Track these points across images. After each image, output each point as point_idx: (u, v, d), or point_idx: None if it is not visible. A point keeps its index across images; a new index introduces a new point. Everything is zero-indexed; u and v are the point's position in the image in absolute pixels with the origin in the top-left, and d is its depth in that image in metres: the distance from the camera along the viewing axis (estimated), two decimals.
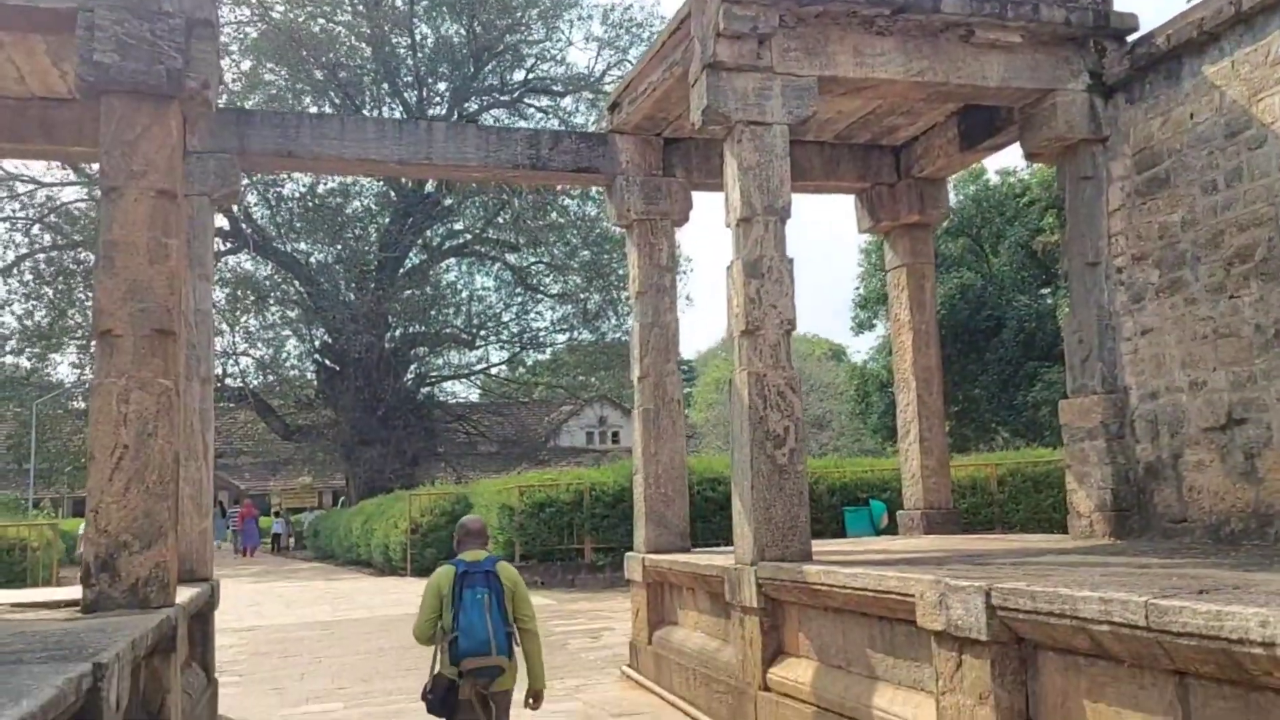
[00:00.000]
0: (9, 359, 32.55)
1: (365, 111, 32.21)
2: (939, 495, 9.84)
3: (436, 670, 4.87)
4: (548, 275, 37.89)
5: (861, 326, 38.19)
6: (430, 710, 4.93)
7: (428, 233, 36.50)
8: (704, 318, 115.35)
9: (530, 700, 5.14)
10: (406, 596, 15.57)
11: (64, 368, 35.23)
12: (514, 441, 39.02)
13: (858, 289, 37.37)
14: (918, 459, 9.90)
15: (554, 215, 35.38)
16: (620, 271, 37.23)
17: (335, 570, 23.44)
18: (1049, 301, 29.12)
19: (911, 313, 10.11)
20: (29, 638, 4.05)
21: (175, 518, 5.80)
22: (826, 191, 10.47)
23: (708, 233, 72.65)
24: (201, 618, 7.61)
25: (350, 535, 23.96)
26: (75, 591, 5.90)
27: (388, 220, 34.81)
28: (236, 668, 10.02)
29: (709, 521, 14.60)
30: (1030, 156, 8.27)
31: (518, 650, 5.02)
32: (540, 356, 45.87)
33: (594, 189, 35.88)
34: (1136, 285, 7.26)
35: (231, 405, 37.29)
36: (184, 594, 6.60)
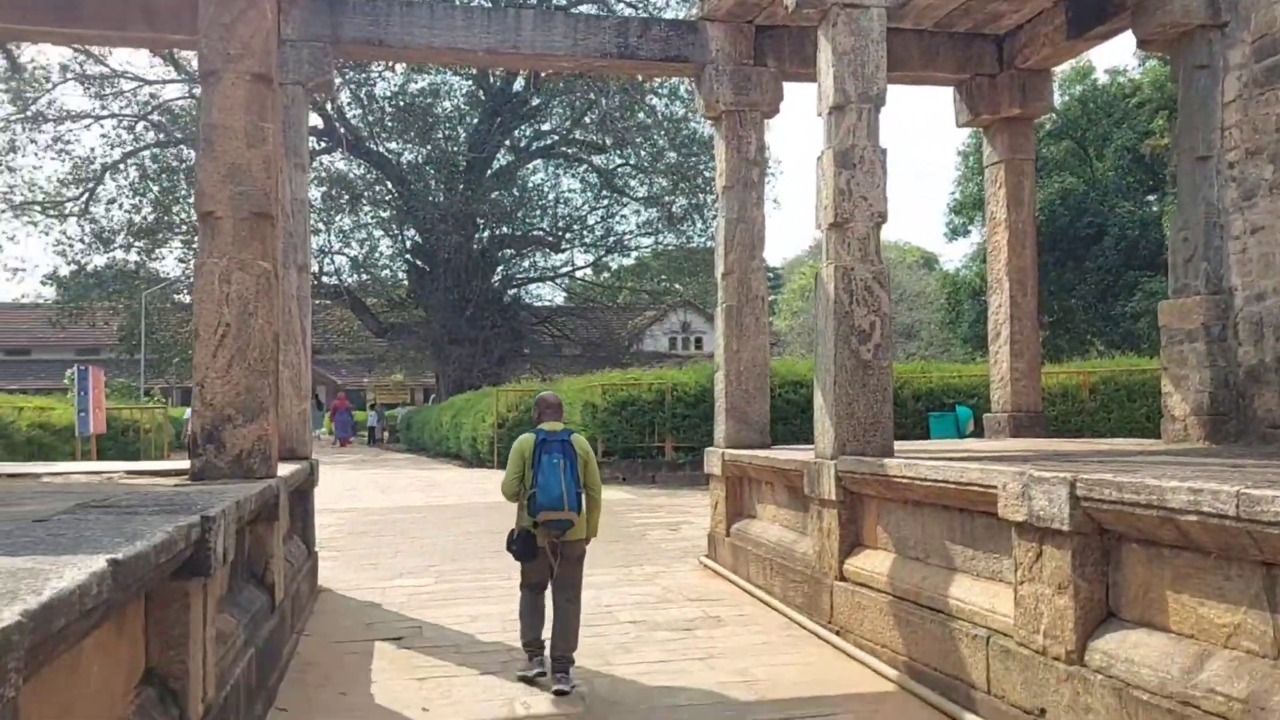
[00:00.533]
0: (118, 254, 33.86)
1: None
2: (1027, 398, 9.67)
3: (519, 522, 5.65)
4: (634, 178, 37.68)
5: (956, 232, 37.20)
6: (513, 555, 5.71)
7: (515, 133, 36.51)
8: (790, 223, 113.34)
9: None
10: (492, 486, 16.02)
11: (170, 262, 36.48)
12: (597, 345, 39.32)
13: (953, 194, 36.32)
14: (1007, 361, 9.71)
15: (641, 115, 34.92)
16: (707, 174, 36.75)
17: (426, 461, 24.30)
18: (1154, 209, 27.86)
19: (1009, 210, 9.79)
20: (143, 496, 4.32)
21: (275, 395, 6.06)
22: (924, 83, 10.09)
23: (796, 135, 71.00)
24: (302, 494, 8.00)
25: (440, 429, 24.72)
26: (184, 465, 6.25)
27: (476, 120, 34.89)
28: (335, 544, 10.54)
29: (789, 424, 14.64)
30: (1143, 44, 7.81)
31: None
32: (625, 261, 45.99)
33: (682, 86, 35.34)
34: (1249, 181, 6.88)
35: (328, 302, 38.47)
36: (284, 469, 6.93)
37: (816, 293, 6.99)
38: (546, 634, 5.66)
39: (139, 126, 33.22)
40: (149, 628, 3.43)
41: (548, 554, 5.57)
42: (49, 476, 6.07)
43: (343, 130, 34.13)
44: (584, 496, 5.61)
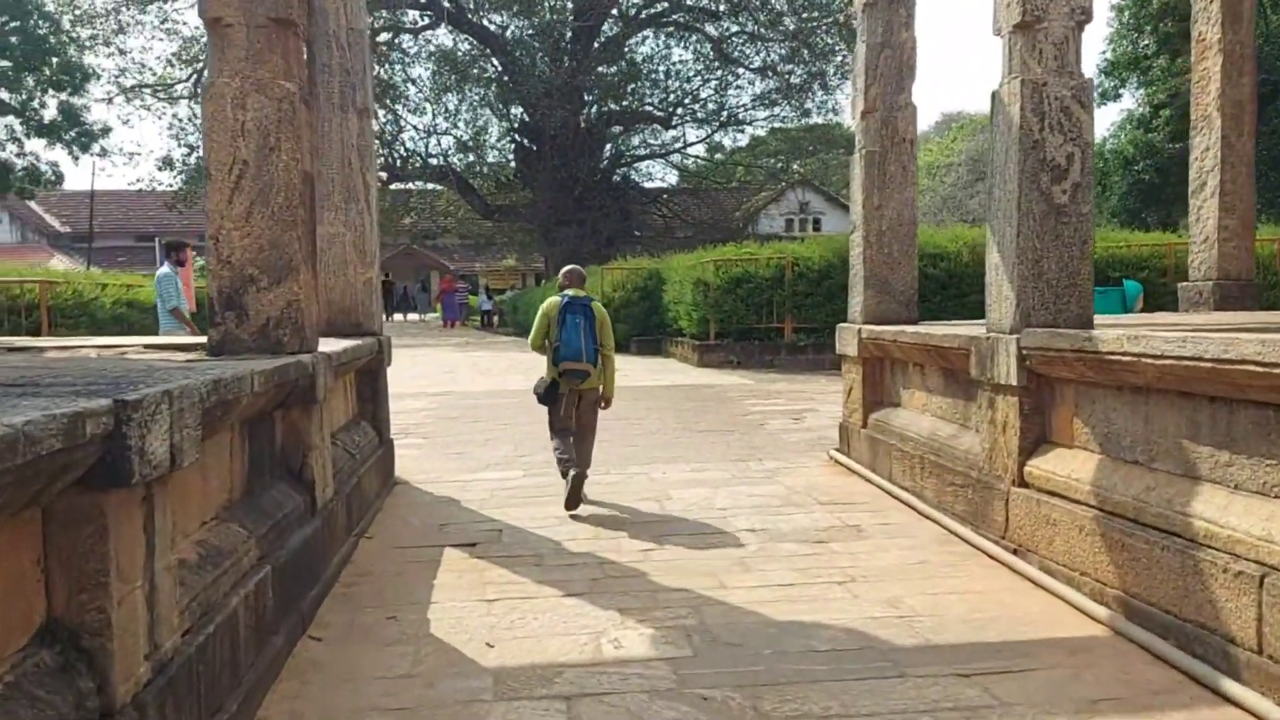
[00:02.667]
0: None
1: None
2: (1238, 263, 7.87)
3: (545, 374, 6.55)
4: (749, 46, 35.29)
5: (1105, 97, 33.73)
6: (539, 400, 6.59)
7: (623, 1, 34.46)
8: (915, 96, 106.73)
9: (603, 403, 6.71)
10: None
11: None
12: (710, 225, 37.57)
13: (1104, 53, 32.83)
14: (1214, 218, 7.89)
15: None
16: (828, 39, 34.08)
17: None
18: None
19: (1223, 29, 7.81)
20: (107, 374, 3.23)
21: (310, 251, 4.92)
22: None
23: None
24: (370, 374, 6.99)
25: None
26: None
27: None
28: (422, 430, 9.64)
29: (926, 302, 12.97)
30: None
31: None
32: (739, 137, 43.74)
33: None
34: None
35: (436, 187, 37.76)
36: (339, 344, 5.87)
37: (993, 118, 5.39)
38: None
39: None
40: (47, 560, 2.34)
41: (568, 399, 6.45)
42: (54, 351, 5.11)
43: (446, 3, 32.75)
44: (600, 355, 6.50)
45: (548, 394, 6.50)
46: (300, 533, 4.35)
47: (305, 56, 4.90)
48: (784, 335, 15.14)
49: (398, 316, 47.74)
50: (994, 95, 5.36)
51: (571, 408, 6.50)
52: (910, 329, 6.66)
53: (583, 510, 6.29)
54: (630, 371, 14.96)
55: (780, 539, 5.52)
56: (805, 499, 6.53)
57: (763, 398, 11.64)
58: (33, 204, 60.36)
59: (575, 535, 5.67)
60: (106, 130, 28.78)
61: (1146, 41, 31.91)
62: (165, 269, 10.06)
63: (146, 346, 5.32)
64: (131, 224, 56.50)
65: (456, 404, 11.56)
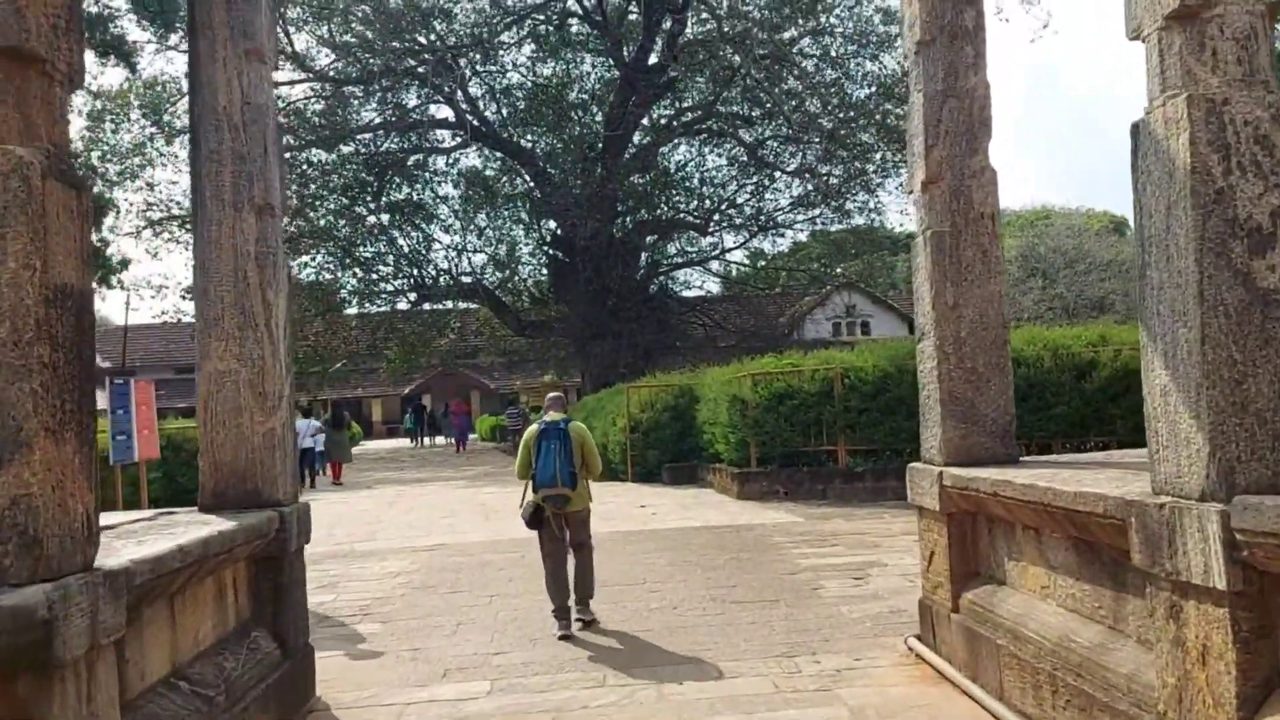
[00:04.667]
0: None
1: None
2: None
3: (527, 498, 6.86)
4: (784, 149, 34.19)
5: None
6: (527, 526, 6.83)
7: (654, 111, 33.75)
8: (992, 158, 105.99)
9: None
10: (623, 508, 13.04)
11: (310, 270, 35.06)
12: (753, 334, 35.78)
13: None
14: None
15: (790, 81, 31.45)
16: (864, 139, 32.84)
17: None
18: None
19: None
20: None
21: (77, 410, 3.12)
22: None
23: None
24: (269, 563, 5.12)
25: None
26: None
27: (611, 98, 32.21)
28: (386, 608, 7.70)
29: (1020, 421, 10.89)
30: None
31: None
32: (779, 240, 42.44)
33: (832, 48, 31.70)
34: None
35: (471, 305, 36.68)
36: (217, 526, 4.08)
37: (1136, 164, 3.51)
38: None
39: None
40: None
41: (553, 524, 6.69)
42: None
43: (474, 121, 32.24)
44: (577, 476, 6.63)
45: (532, 518, 6.78)
46: None
47: (63, 113, 3.23)
48: (836, 460, 13.06)
49: (426, 441, 46.28)
50: (1136, 128, 3.50)
51: (560, 530, 6.80)
52: (1016, 477, 4.64)
53: None
54: (659, 508, 12.94)
55: None
56: None
57: (814, 543, 9.54)
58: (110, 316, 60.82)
59: None
60: (125, 263, 27.98)
61: None
62: None
63: None
64: (171, 356, 56.38)
65: (444, 563, 9.62)
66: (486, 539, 10.89)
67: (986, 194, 5.61)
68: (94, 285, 3.39)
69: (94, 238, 24.52)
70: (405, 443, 47.06)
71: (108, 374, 9.77)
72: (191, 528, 4.32)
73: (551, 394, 7.23)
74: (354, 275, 33.36)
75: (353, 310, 35.43)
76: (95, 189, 31.19)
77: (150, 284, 46.07)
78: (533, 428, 6.85)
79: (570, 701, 5.11)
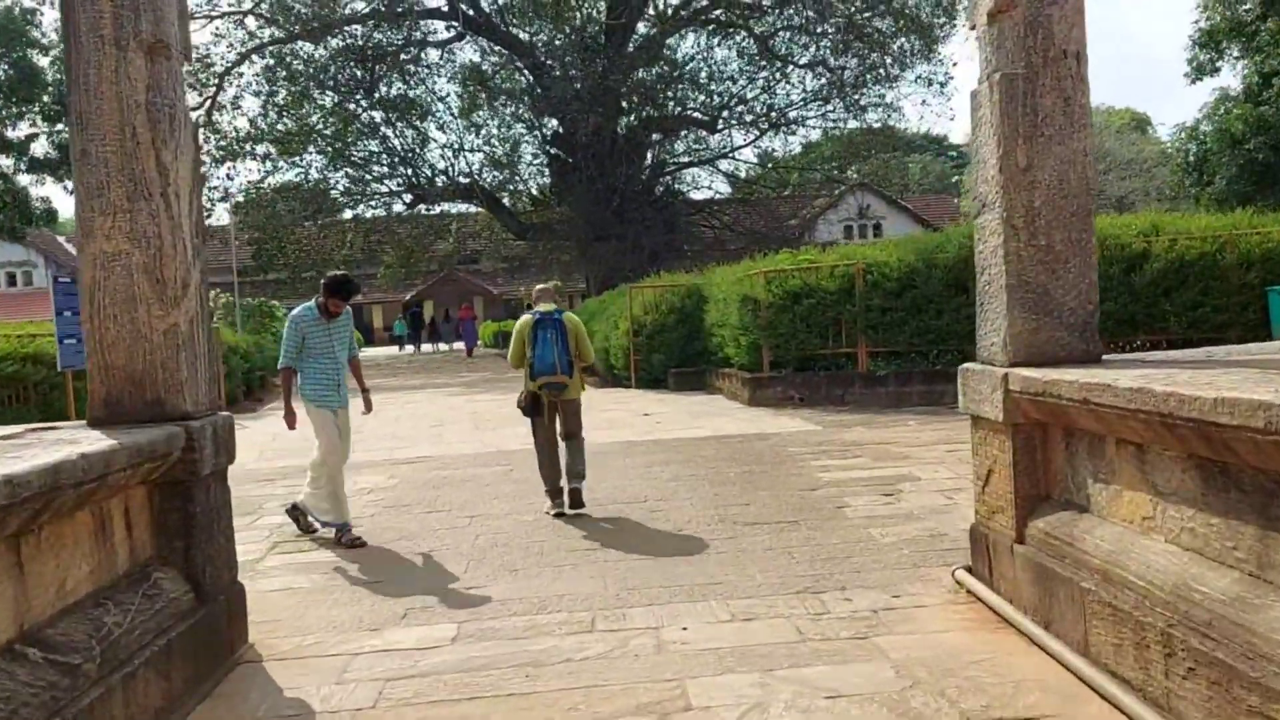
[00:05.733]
0: (248, 162, 31.61)
1: None
2: None
3: (525, 387, 6.95)
4: (796, 40, 32.32)
5: (1201, 71, 30.11)
6: (523, 413, 6.98)
7: None
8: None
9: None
10: (625, 416, 12.11)
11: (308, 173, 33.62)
12: (764, 236, 34.54)
13: (1197, 23, 29.30)
14: None
15: None
16: (881, 26, 31.02)
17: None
18: None
19: None
20: None
21: None
22: None
23: None
24: (177, 489, 4.15)
25: None
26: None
27: None
28: (356, 528, 6.79)
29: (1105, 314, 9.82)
30: None
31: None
32: (791, 139, 40.86)
33: None
34: None
35: (469, 208, 35.39)
36: (85, 447, 3.11)
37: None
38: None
39: (249, 21, 30.47)
40: None
41: (547, 410, 6.91)
42: None
43: (468, 9, 30.46)
44: (573, 364, 6.84)
45: (531, 406, 6.88)
46: None
47: None
48: (856, 364, 12.04)
49: (426, 348, 45.50)
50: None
51: (555, 418, 6.94)
52: (1117, 380, 3.61)
53: None
54: (664, 416, 12.01)
55: None
56: (935, 695, 3.52)
57: (836, 454, 8.59)
58: (70, 245, 59.60)
59: None
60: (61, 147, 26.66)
61: (1249, 5, 28.30)
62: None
63: None
64: None
65: (425, 478, 8.72)
66: (474, 451, 9.97)
67: (1071, 26, 4.43)
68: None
69: (65, 133, 23.11)
70: (410, 349, 46.25)
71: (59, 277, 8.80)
72: (51, 449, 3.33)
73: (540, 286, 7.33)
74: (346, 175, 32.04)
75: (348, 215, 34.22)
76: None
77: None
78: (526, 318, 6.94)
79: (550, 653, 4.20)
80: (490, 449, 9.91)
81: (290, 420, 6.62)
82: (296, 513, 6.80)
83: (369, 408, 7.10)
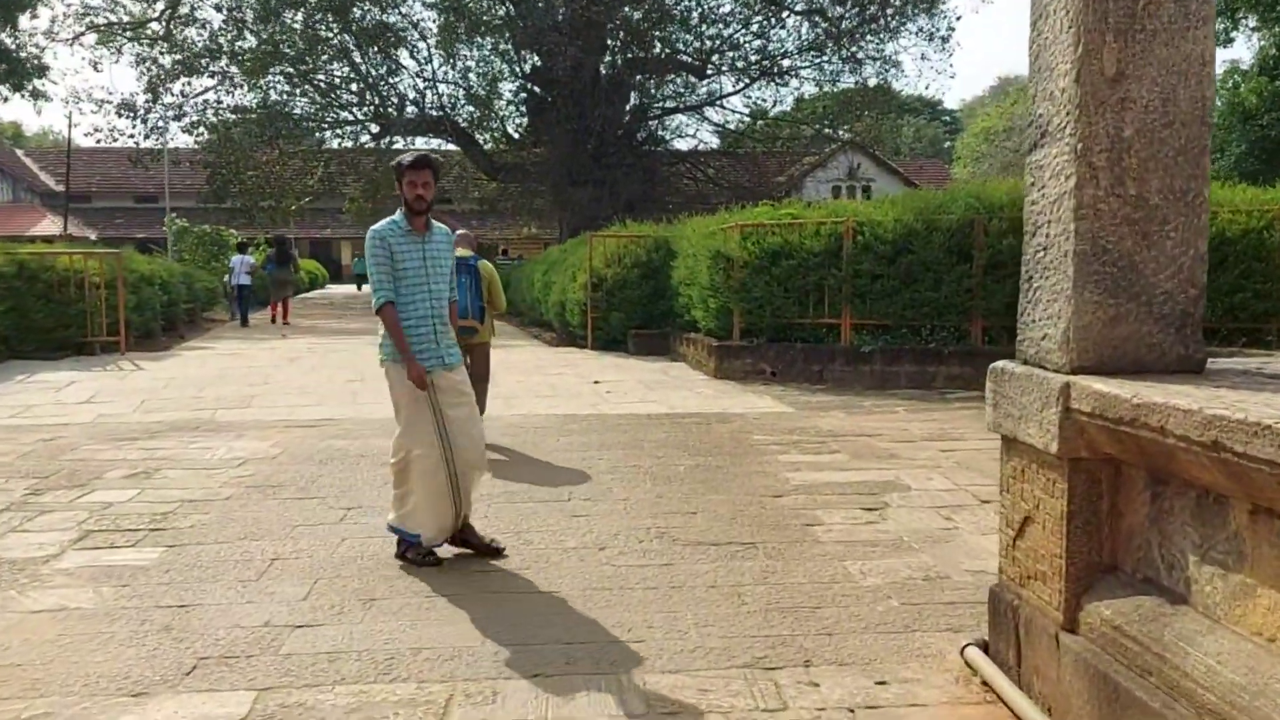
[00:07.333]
0: (208, 81, 29.59)
1: None
2: None
3: None
4: None
5: (1215, 40, 28.65)
6: None
7: None
8: (966, 59, 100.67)
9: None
10: (572, 382, 10.69)
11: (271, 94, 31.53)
12: (749, 191, 32.94)
13: None
14: None
15: None
16: None
17: (510, 334, 18.75)
18: None
19: None
20: None
21: None
22: None
23: None
24: None
25: (533, 290, 19.33)
26: None
27: None
28: (189, 521, 5.35)
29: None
30: None
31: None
32: (782, 90, 39.21)
33: None
34: None
35: (439, 144, 33.50)
36: None
37: None
38: None
39: None
40: None
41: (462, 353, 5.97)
42: None
43: None
44: (485, 310, 6.94)
45: None
46: None
47: None
48: (839, 336, 10.62)
49: (351, 289, 43.45)
50: None
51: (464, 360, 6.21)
52: (1259, 408, 2.20)
53: None
54: (617, 385, 10.57)
55: None
56: None
57: (809, 447, 7.19)
58: (27, 159, 57.03)
59: None
60: (42, 69, 24.62)
61: None
62: None
63: None
64: (131, 183, 52.80)
65: (315, 447, 7.27)
66: (386, 415, 8.48)
67: None
68: None
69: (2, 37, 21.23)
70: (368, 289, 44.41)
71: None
72: None
73: (460, 230, 7.16)
74: (309, 99, 30.09)
75: (310, 142, 32.27)
76: None
77: (91, 97, 42.08)
78: None
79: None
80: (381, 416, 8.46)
81: (419, 378, 4.53)
82: (402, 547, 4.70)
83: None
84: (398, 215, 4.68)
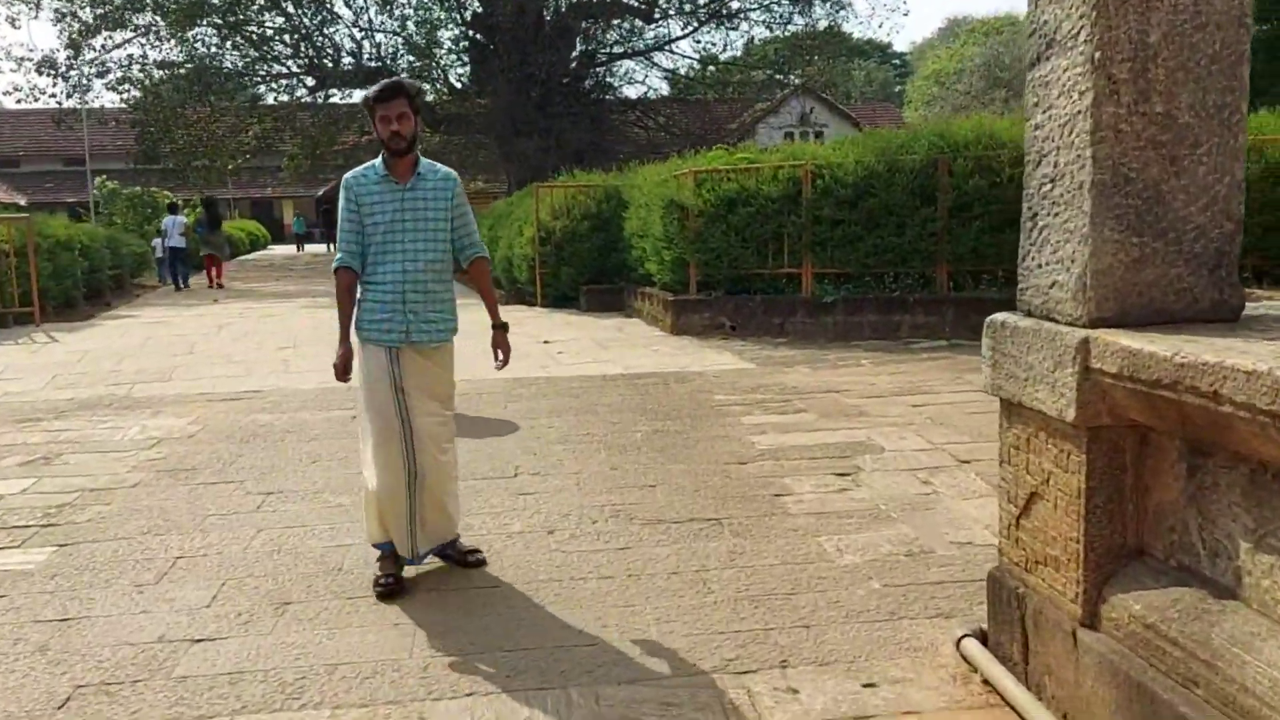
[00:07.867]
0: (130, 35, 28.11)
1: None
2: None
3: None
4: None
5: None
6: None
7: None
8: (914, 1, 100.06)
9: None
10: (521, 341, 10.08)
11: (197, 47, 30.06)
12: (700, 139, 32.19)
13: None
14: None
15: None
16: None
17: (457, 295, 17.95)
18: None
19: None
20: None
21: None
22: None
23: None
24: None
25: None
26: None
27: None
28: (87, 514, 4.77)
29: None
30: None
31: None
32: (732, 34, 38.41)
33: None
34: None
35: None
36: None
37: None
38: None
39: None
40: None
41: None
42: None
43: None
44: None
45: None
46: None
47: None
48: (800, 286, 10.16)
49: (331, 248, 42.33)
50: None
51: None
52: None
53: None
54: (568, 345, 10.05)
55: None
56: None
57: (774, 407, 6.74)
58: None
59: None
60: None
61: None
62: None
63: None
64: (60, 146, 50.71)
65: (236, 424, 6.68)
66: (317, 386, 7.91)
67: None
68: None
69: None
70: (316, 249, 43.14)
71: None
72: None
73: None
74: (240, 53, 28.78)
75: (244, 97, 30.92)
76: None
77: (10, 55, 40.04)
78: None
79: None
80: (340, 386, 7.88)
81: (344, 365, 3.86)
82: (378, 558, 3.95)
83: (500, 351, 4.38)
84: (377, 160, 3.86)
